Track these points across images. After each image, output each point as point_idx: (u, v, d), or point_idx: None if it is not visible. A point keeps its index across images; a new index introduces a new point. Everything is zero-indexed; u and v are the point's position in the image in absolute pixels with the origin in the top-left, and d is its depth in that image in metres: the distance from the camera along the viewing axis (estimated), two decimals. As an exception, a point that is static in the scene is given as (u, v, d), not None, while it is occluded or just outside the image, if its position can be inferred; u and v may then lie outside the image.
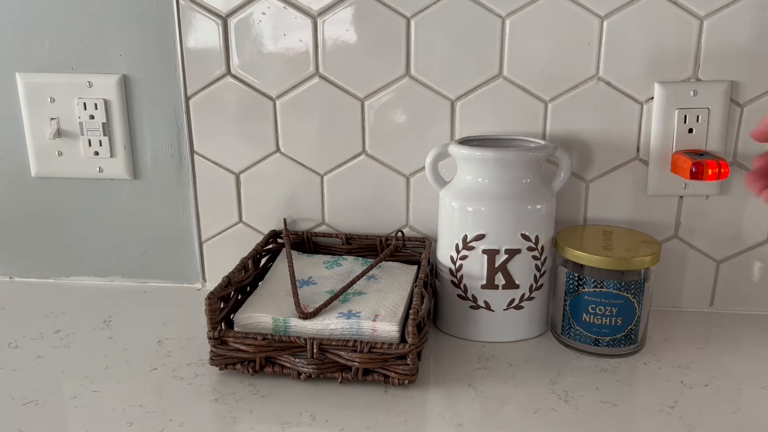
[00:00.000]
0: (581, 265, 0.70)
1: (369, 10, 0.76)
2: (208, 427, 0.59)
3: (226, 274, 0.70)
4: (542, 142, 0.75)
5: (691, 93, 0.75)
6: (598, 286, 0.69)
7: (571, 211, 0.81)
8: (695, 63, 0.74)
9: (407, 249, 0.83)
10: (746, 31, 0.73)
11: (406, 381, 0.64)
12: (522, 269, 0.72)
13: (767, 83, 0.74)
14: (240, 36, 0.79)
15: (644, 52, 0.75)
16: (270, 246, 0.83)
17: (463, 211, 0.71)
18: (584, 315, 0.70)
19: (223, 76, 0.80)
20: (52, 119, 0.83)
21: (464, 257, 0.72)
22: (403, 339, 0.65)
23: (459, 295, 0.74)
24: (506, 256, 0.71)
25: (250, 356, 0.65)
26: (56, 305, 0.83)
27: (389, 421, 0.59)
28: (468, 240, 0.71)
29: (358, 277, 0.73)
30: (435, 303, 0.78)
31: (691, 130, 0.76)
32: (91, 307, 0.83)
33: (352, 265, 0.80)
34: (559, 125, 0.78)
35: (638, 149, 0.78)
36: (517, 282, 0.72)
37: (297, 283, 0.73)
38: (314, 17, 0.78)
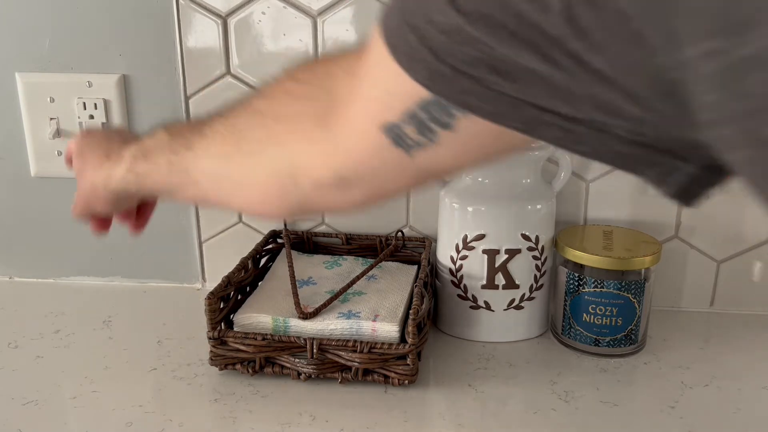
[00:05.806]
0: (581, 265, 0.69)
1: (369, 10, 0.76)
2: (208, 428, 0.59)
3: (226, 274, 0.70)
4: (542, 142, 0.75)
5: (691, 93, 0.75)
6: (599, 286, 0.69)
7: (571, 211, 0.81)
8: (695, 63, 0.74)
9: (407, 249, 0.83)
10: (746, 31, 0.73)
11: (406, 381, 0.64)
12: (522, 269, 0.72)
13: (767, 83, 0.74)
14: (240, 36, 0.79)
15: (644, 52, 0.74)
16: (270, 246, 0.83)
17: (463, 211, 0.71)
18: (584, 315, 0.70)
19: (222, 76, 0.80)
20: (51, 119, 0.83)
21: (464, 257, 0.72)
22: (403, 339, 0.65)
23: (459, 295, 0.74)
24: (506, 256, 0.71)
25: (250, 356, 0.65)
26: (56, 305, 0.83)
27: (389, 421, 0.59)
28: (468, 240, 0.71)
29: (358, 277, 0.73)
30: (435, 303, 0.77)
31: (691, 130, 0.75)
32: (91, 307, 0.83)
33: (352, 265, 0.80)
34: (559, 125, 0.78)
35: (638, 149, 0.78)
36: (517, 282, 0.72)
37: (297, 283, 0.73)
38: (314, 17, 0.78)
